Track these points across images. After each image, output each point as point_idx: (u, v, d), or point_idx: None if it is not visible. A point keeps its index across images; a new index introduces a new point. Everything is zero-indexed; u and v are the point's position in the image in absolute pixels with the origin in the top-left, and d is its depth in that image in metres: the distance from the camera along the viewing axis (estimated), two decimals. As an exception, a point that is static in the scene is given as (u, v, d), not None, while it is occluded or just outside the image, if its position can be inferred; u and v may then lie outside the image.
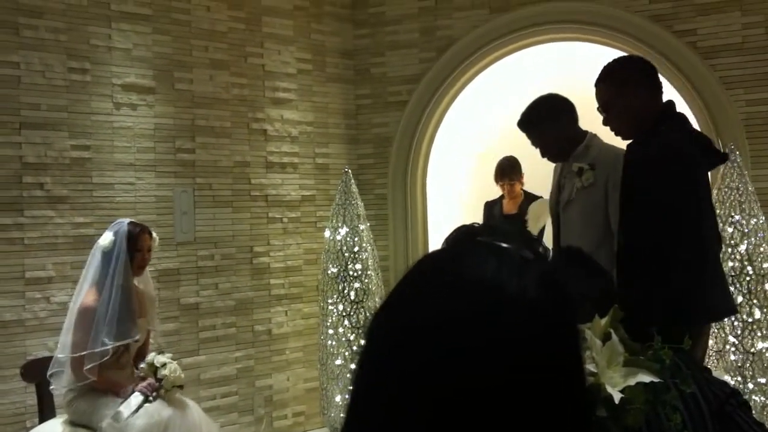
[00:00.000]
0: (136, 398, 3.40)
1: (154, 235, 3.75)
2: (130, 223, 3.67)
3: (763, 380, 3.84)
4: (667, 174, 2.53)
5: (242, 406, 5.04)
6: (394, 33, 5.50)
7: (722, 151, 2.79)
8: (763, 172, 4.46)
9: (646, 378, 1.29)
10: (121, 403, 3.39)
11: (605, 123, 2.81)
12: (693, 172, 2.57)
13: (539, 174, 5.20)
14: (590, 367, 1.27)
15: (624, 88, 2.73)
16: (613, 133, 2.85)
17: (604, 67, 2.84)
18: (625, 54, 2.89)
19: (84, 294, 3.57)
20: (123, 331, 3.50)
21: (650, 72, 2.81)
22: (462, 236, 0.80)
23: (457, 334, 0.70)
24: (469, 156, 5.95)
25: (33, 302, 4.24)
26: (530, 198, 5.00)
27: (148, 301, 3.75)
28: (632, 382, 1.28)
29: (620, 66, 2.86)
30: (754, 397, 3.81)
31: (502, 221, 5.01)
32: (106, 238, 3.61)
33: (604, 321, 1.37)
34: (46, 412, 3.68)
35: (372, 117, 5.60)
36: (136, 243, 3.59)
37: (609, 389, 1.25)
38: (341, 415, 4.79)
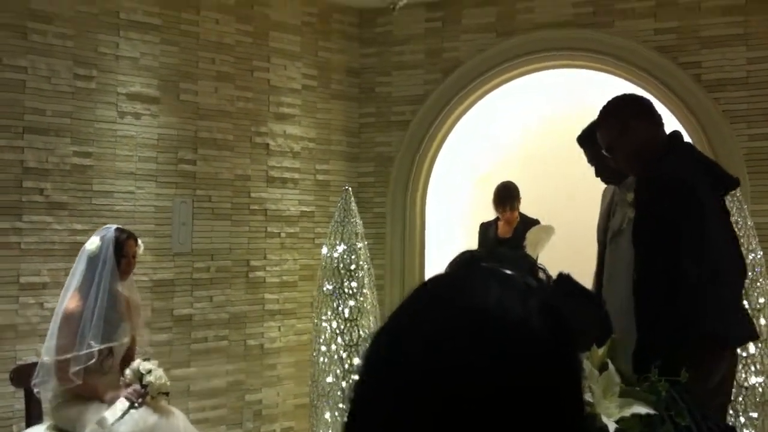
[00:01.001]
0: (122, 404, 3.39)
1: (140, 242, 3.77)
2: (117, 229, 3.69)
3: (755, 414, 3.82)
4: (669, 200, 2.53)
5: (231, 420, 5.01)
6: (401, 53, 5.53)
7: (734, 176, 2.76)
8: (763, 207, 4.47)
9: (641, 410, 1.28)
10: (107, 409, 3.38)
11: (613, 164, 2.82)
12: (697, 197, 2.56)
13: (536, 197, 5.22)
14: (587, 396, 1.26)
15: (624, 126, 2.73)
16: (623, 172, 2.85)
17: (601, 110, 2.85)
18: (619, 93, 2.90)
19: (68, 298, 3.57)
20: (110, 334, 3.51)
21: (647, 106, 2.81)
22: (466, 261, 0.80)
23: (460, 359, 0.69)
24: (469, 179, 5.96)
25: (26, 307, 4.22)
26: (526, 221, 5.00)
27: (132, 308, 3.75)
28: (627, 413, 1.27)
29: (616, 106, 2.85)
30: (745, 431, 3.79)
31: (501, 246, 5.00)
32: (93, 243, 3.62)
33: (601, 351, 1.37)
34: (33, 417, 3.67)
35: (374, 135, 5.61)
36: (122, 249, 3.61)
37: (604, 419, 1.24)
38: (331, 433, 4.76)
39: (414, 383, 0.70)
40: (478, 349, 0.70)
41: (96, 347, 3.45)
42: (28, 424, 3.66)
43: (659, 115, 2.81)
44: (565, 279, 1.86)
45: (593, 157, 3.06)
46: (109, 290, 3.55)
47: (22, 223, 4.24)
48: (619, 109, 2.82)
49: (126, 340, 3.63)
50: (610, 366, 1.34)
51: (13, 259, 4.21)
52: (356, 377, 0.76)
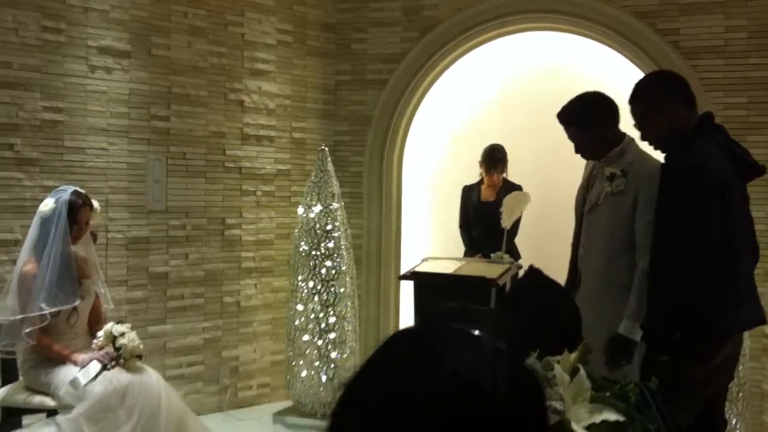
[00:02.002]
0: (95, 366, 3.40)
1: (96, 205, 3.71)
2: (74, 192, 3.61)
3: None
4: (693, 187, 2.57)
5: (207, 376, 5.06)
6: (378, 10, 5.44)
7: (759, 163, 2.79)
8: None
9: (611, 416, 1.31)
10: (79, 371, 3.39)
11: (643, 138, 2.86)
12: (722, 185, 2.59)
13: (513, 161, 5.23)
14: (556, 404, 1.29)
15: (656, 104, 2.76)
16: (653, 147, 2.88)
17: (635, 85, 2.87)
18: (654, 70, 2.90)
19: (24, 260, 3.56)
20: (61, 297, 3.49)
21: (681, 86, 2.83)
22: (435, 320, 0.80)
23: (430, 425, 0.70)
24: (445, 138, 5.94)
25: (-1, 265, 4.19)
26: (509, 186, 5.01)
27: (90, 266, 3.73)
28: (597, 419, 1.30)
29: (650, 83, 2.89)
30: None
31: (483, 208, 4.98)
32: (47, 205, 3.57)
33: (573, 356, 1.40)
34: (7, 374, 3.68)
35: (350, 94, 5.56)
36: (75, 215, 3.57)
37: (574, 426, 1.27)
38: (306, 389, 4.83)
39: None
40: (451, 417, 0.71)
41: (46, 311, 3.45)
42: (4, 382, 3.68)
43: (692, 95, 2.82)
44: (534, 272, 1.89)
45: (571, 136, 3.07)
46: (61, 253, 3.52)
47: (-7, 179, 4.18)
48: (652, 86, 2.84)
49: (86, 299, 3.61)
50: (581, 371, 1.37)
51: (-15, 217, 4.16)
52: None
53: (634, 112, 2.83)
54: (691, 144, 2.68)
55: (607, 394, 1.38)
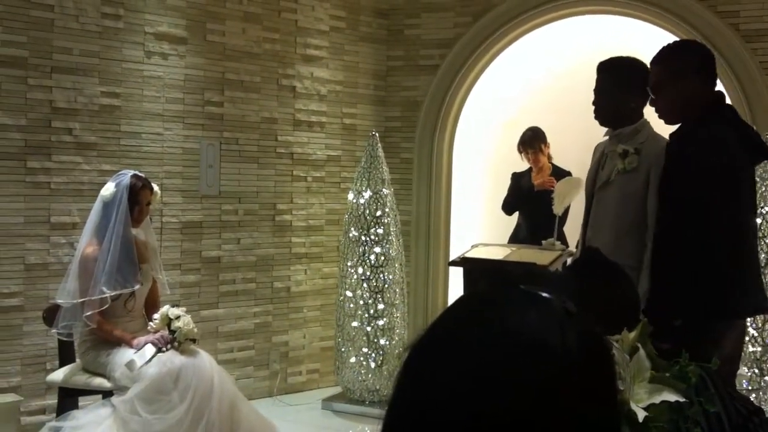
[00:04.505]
0: (150, 349, 3.46)
1: (156, 188, 3.78)
2: (133, 175, 3.69)
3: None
4: (705, 169, 2.50)
5: (258, 361, 5.12)
6: (430, -6, 5.41)
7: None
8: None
9: (671, 397, 1.28)
10: (135, 353, 3.46)
11: (652, 104, 2.77)
12: (733, 167, 2.53)
13: (564, 146, 5.16)
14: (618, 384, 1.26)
15: (678, 73, 2.67)
16: (657, 115, 2.80)
17: (662, 48, 2.78)
18: (685, 39, 2.82)
19: (85, 243, 3.62)
20: (121, 281, 3.56)
21: (707, 61, 2.74)
22: (502, 282, 0.79)
23: (497, 387, 0.69)
24: (497, 123, 5.89)
25: (57, 247, 4.29)
26: (558, 172, 4.95)
27: (150, 251, 3.80)
28: (657, 399, 1.28)
29: (678, 50, 2.80)
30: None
31: (534, 196, 4.93)
32: (108, 189, 3.65)
33: (632, 335, 1.37)
34: (65, 356, 3.77)
35: (402, 80, 5.54)
36: (136, 196, 3.63)
37: (633, 406, 1.25)
38: (354, 375, 4.85)
39: (445, 404, 0.70)
40: (512, 375, 0.69)
41: (108, 293, 3.51)
42: (62, 363, 3.76)
43: (715, 74, 2.74)
44: (592, 252, 1.85)
45: (600, 86, 3.01)
46: (122, 236, 3.59)
47: (52, 162, 4.28)
48: (679, 54, 2.76)
49: (144, 284, 3.67)
50: (641, 350, 1.34)
51: (44, 199, 4.26)
52: (390, 396, 0.76)
53: (653, 75, 2.74)
54: (704, 123, 2.60)
55: (667, 374, 1.35)
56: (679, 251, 2.52)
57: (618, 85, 2.96)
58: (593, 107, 3.04)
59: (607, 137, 3.10)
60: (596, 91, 3.04)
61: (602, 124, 3.07)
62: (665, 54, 2.76)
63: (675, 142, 2.72)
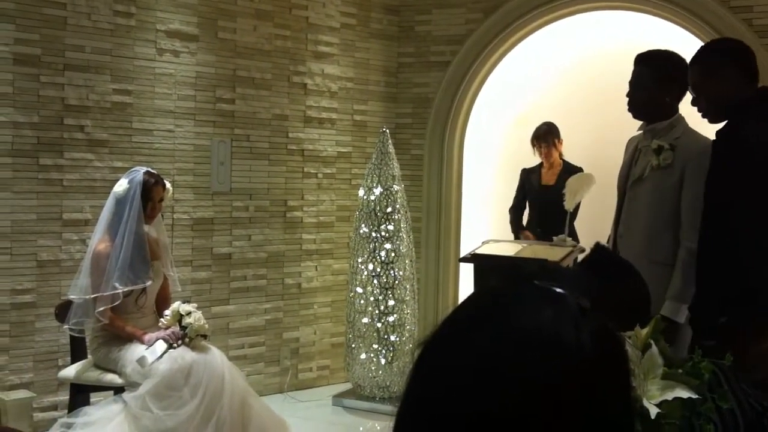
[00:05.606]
0: (161, 345, 3.47)
1: (168, 185, 3.79)
2: (146, 172, 3.71)
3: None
4: (751, 166, 2.48)
5: (269, 357, 5.13)
6: (442, -9, 5.40)
7: None
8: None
9: (684, 393, 1.28)
10: (146, 349, 3.47)
11: (694, 103, 2.75)
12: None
13: (574, 142, 5.14)
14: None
15: (715, 71, 2.65)
16: (700, 114, 2.78)
17: (699, 48, 2.77)
18: (722, 37, 2.80)
19: (97, 239, 3.64)
20: (133, 277, 3.57)
21: (744, 57, 2.71)
22: (515, 278, 0.78)
23: (511, 381, 0.69)
24: (507, 120, 5.87)
25: (69, 243, 4.31)
26: (569, 169, 4.94)
27: (161, 248, 3.81)
28: (670, 396, 1.27)
29: (714, 48, 2.79)
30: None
31: (544, 192, 4.93)
32: (121, 185, 3.66)
33: (645, 331, 1.36)
34: (77, 352, 3.78)
35: (413, 76, 5.54)
36: (149, 193, 3.64)
37: (646, 403, 1.24)
38: (364, 371, 4.85)
39: (458, 400, 0.70)
40: (531, 374, 0.69)
41: (120, 289, 3.53)
42: (73, 360, 3.78)
43: (755, 69, 2.71)
44: (601, 249, 1.84)
45: (636, 78, 2.98)
46: (135, 233, 3.60)
47: (64, 160, 4.30)
48: (714, 52, 2.74)
49: (155, 280, 3.69)
50: (653, 347, 1.34)
51: (56, 196, 4.28)
52: (403, 386, 0.76)
53: (691, 76, 2.72)
54: (748, 120, 2.57)
55: (680, 371, 1.35)
56: (726, 245, 2.48)
57: (653, 78, 2.93)
58: (627, 99, 3.02)
59: (640, 132, 3.06)
60: (632, 83, 3.01)
61: (636, 117, 3.04)
62: (698, 53, 2.75)
63: (720, 141, 2.68)
